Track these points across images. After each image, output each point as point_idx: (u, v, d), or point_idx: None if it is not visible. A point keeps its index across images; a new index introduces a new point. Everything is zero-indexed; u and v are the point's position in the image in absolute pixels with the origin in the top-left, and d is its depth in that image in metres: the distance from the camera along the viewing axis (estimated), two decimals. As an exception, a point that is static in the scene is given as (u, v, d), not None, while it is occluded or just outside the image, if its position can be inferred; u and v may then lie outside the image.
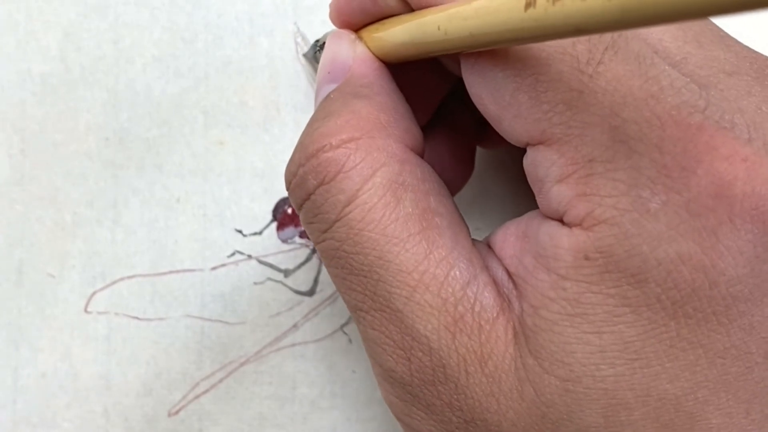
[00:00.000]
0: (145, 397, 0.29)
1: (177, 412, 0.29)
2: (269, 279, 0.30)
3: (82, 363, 0.29)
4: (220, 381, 0.29)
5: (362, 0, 0.22)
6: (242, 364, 0.29)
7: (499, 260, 0.19)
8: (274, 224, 0.30)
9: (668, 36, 0.18)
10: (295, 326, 0.30)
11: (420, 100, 0.24)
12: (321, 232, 0.20)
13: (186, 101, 0.30)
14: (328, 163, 0.19)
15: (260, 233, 0.30)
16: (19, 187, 0.30)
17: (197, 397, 0.29)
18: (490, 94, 0.18)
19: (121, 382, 0.29)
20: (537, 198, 0.19)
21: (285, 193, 0.30)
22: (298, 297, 0.30)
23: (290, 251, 0.30)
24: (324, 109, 0.20)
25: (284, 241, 0.30)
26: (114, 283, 0.30)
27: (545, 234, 0.18)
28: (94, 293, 0.30)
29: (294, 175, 0.20)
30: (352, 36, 0.22)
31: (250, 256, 0.30)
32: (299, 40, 0.30)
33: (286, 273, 0.30)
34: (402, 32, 0.20)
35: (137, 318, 0.30)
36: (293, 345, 0.30)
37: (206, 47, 0.30)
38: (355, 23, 0.23)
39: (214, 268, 0.30)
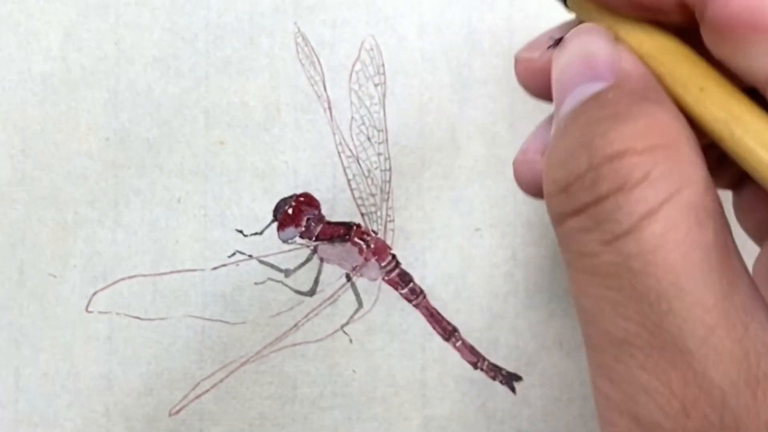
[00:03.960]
0: (146, 396, 0.29)
1: (178, 412, 0.29)
2: (270, 279, 0.30)
3: (84, 363, 0.29)
4: (221, 381, 0.29)
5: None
6: (243, 364, 0.29)
7: None
8: (275, 224, 0.30)
9: None
10: (295, 326, 0.30)
11: None
12: (602, 244, 0.17)
13: (186, 101, 0.30)
14: (632, 168, 0.16)
15: (261, 233, 0.30)
16: (20, 187, 0.30)
17: (198, 396, 0.29)
18: None
19: (122, 381, 0.29)
20: None
21: (285, 193, 0.30)
22: (299, 297, 0.30)
23: (291, 251, 0.30)
24: (603, 108, 0.18)
25: (285, 241, 0.30)
26: (115, 283, 0.30)
27: None
28: (95, 293, 0.30)
29: (580, 177, 0.17)
30: (611, 35, 0.19)
31: (250, 256, 0.30)
32: (299, 40, 0.30)
33: (287, 273, 0.30)
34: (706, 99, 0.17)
35: (138, 318, 0.30)
36: (294, 345, 0.30)
37: (206, 47, 0.30)
38: (614, 7, 0.19)
39: (214, 268, 0.30)
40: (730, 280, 0.16)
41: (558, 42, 0.20)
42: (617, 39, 0.19)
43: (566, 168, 0.17)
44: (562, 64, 0.19)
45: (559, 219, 0.18)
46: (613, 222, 0.17)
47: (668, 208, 0.16)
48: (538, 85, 0.21)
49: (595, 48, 0.19)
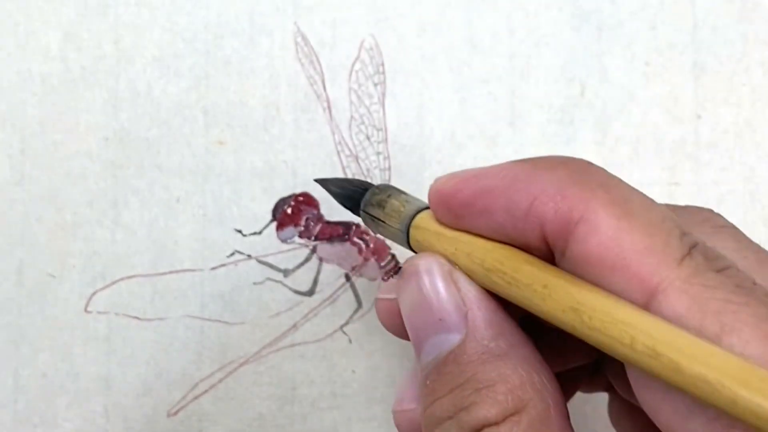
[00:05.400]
0: (145, 397, 0.29)
1: (176, 413, 0.29)
2: (269, 279, 0.30)
3: (82, 363, 0.29)
4: (220, 381, 0.29)
5: (503, 207, 0.19)
6: (242, 365, 0.29)
7: None
8: (274, 224, 0.30)
9: None
10: (294, 326, 0.30)
11: None
12: None
13: (186, 101, 0.30)
14: None
15: (260, 233, 0.30)
16: (19, 187, 0.30)
17: (197, 397, 0.29)
18: (672, 413, 0.16)
19: (120, 382, 0.29)
20: None
21: (284, 193, 0.30)
22: (298, 297, 0.30)
23: (290, 251, 0.30)
24: (463, 371, 0.19)
25: (284, 241, 0.30)
26: (114, 283, 0.30)
27: None
28: (94, 293, 0.30)
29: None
30: (446, 267, 0.20)
31: (249, 256, 0.30)
32: (299, 39, 0.30)
33: (286, 273, 0.30)
34: (554, 302, 0.17)
35: (137, 318, 0.29)
36: (293, 345, 0.30)
37: (206, 47, 0.30)
38: (462, 216, 0.20)
39: (213, 268, 0.30)
40: None
41: (396, 271, 0.21)
42: (454, 266, 0.19)
43: (432, 416, 0.19)
44: (408, 306, 0.20)
45: None
46: None
47: None
48: (395, 323, 0.22)
49: (438, 289, 0.19)
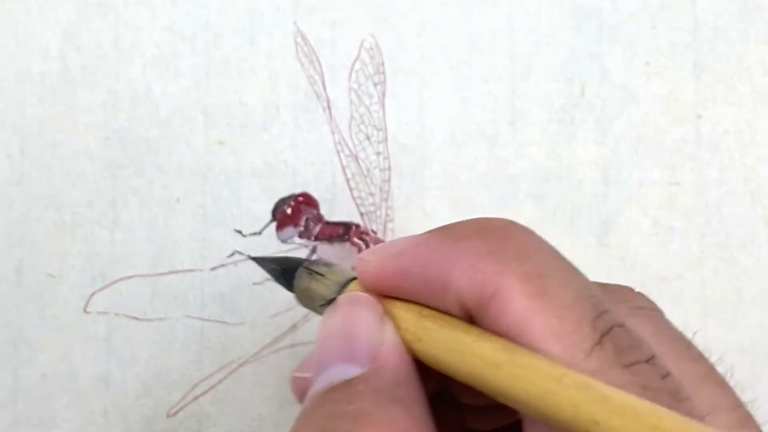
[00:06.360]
0: (144, 397, 0.29)
1: (176, 413, 0.29)
2: (268, 279, 0.30)
3: (82, 363, 0.29)
4: (220, 382, 0.29)
5: (423, 282, 0.18)
6: (241, 365, 0.29)
7: None
8: (274, 224, 0.30)
9: None
10: (294, 327, 0.29)
11: None
12: None
13: (186, 101, 0.30)
14: None
15: (260, 233, 0.30)
16: (18, 187, 0.30)
17: (196, 398, 0.29)
18: None
19: (120, 382, 0.29)
20: None
21: (284, 193, 0.30)
22: (298, 297, 0.30)
23: (289, 251, 0.30)
24: (349, 403, 0.18)
25: (283, 241, 0.30)
26: (113, 283, 0.29)
27: None
28: (93, 293, 0.29)
29: None
30: (380, 308, 0.19)
31: (249, 256, 0.30)
32: (299, 39, 0.30)
33: (286, 273, 0.30)
34: (480, 364, 0.17)
35: (137, 318, 0.29)
36: (293, 345, 0.29)
37: (206, 47, 0.30)
38: (388, 290, 0.19)
39: (213, 269, 0.29)
40: None
41: (330, 302, 0.20)
42: (386, 312, 0.19)
43: None
44: (326, 331, 0.20)
45: None
46: None
47: None
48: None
49: (361, 325, 0.19)
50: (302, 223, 0.29)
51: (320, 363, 0.19)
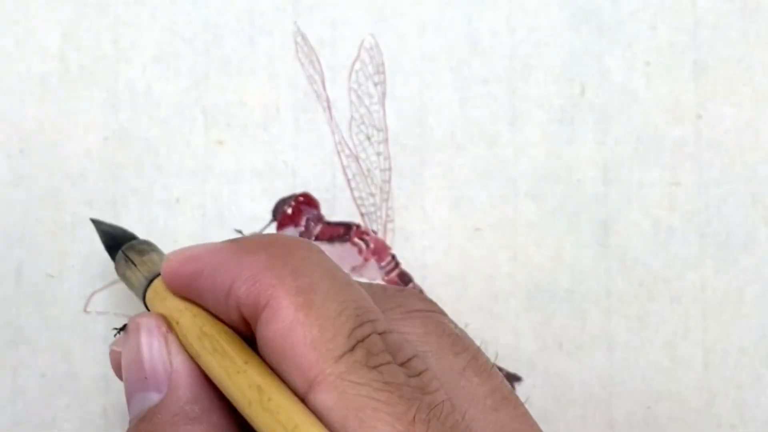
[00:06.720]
0: (144, 397, 0.29)
1: (176, 413, 0.29)
2: (269, 279, 0.30)
3: (82, 363, 0.29)
4: (220, 382, 0.29)
5: (211, 286, 0.20)
6: (241, 365, 0.29)
7: None
8: (274, 224, 0.30)
9: None
10: (294, 327, 0.29)
11: None
12: None
13: (185, 101, 0.30)
14: None
15: (260, 233, 0.30)
16: (18, 187, 0.30)
17: (196, 397, 0.29)
18: None
19: (120, 382, 0.29)
20: None
21: (284, 193, 0.30)
22: (298, 297, 0.30)
23: (290, 251, 0.30)
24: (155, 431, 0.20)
25: (284, 241, 0.30)
26: (113, 283, 0.29)
27: None
28: (93, 293, 0.29)
29: None
30: (163, 328, 0.21)
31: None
32: (299, 39, 0.30)
33: (286, 273, 0.30)
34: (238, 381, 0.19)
35: (136, 318, 0.29)
36: (293, 345, 0.29)
37: (206, 47, 0.30)
38: (184, 290, 0.21)
39: (213, 269, 0.29)
40: None
41: (122, 329, 0.22)
42: (171, 330, 0.21)
43: None
44: (125, 360, 0.21)
45: None
46: None
47: None
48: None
49: (150, 353, 0.21)
50: (303, 223, 0.29)
51: (126, 392, 0.21)
